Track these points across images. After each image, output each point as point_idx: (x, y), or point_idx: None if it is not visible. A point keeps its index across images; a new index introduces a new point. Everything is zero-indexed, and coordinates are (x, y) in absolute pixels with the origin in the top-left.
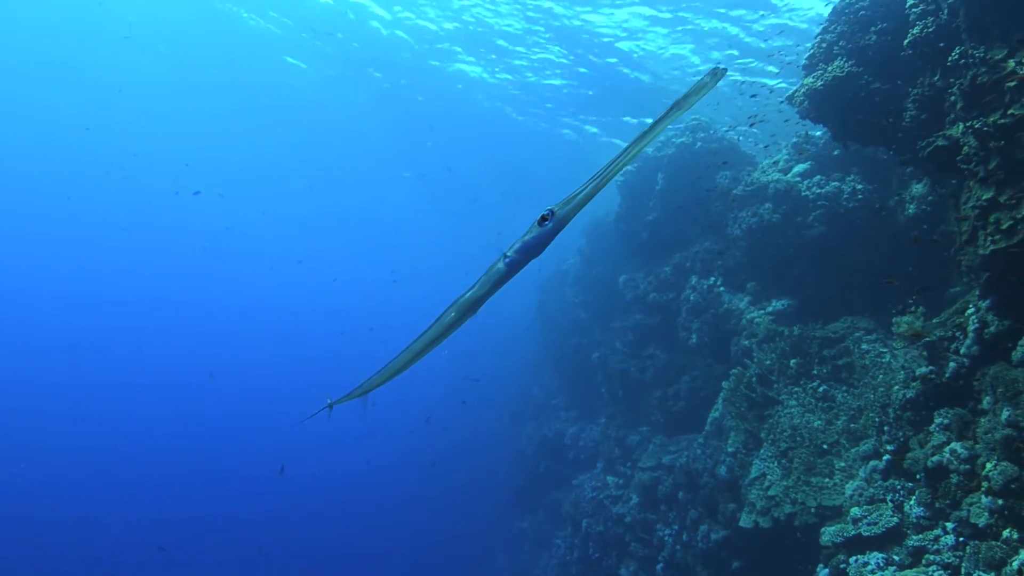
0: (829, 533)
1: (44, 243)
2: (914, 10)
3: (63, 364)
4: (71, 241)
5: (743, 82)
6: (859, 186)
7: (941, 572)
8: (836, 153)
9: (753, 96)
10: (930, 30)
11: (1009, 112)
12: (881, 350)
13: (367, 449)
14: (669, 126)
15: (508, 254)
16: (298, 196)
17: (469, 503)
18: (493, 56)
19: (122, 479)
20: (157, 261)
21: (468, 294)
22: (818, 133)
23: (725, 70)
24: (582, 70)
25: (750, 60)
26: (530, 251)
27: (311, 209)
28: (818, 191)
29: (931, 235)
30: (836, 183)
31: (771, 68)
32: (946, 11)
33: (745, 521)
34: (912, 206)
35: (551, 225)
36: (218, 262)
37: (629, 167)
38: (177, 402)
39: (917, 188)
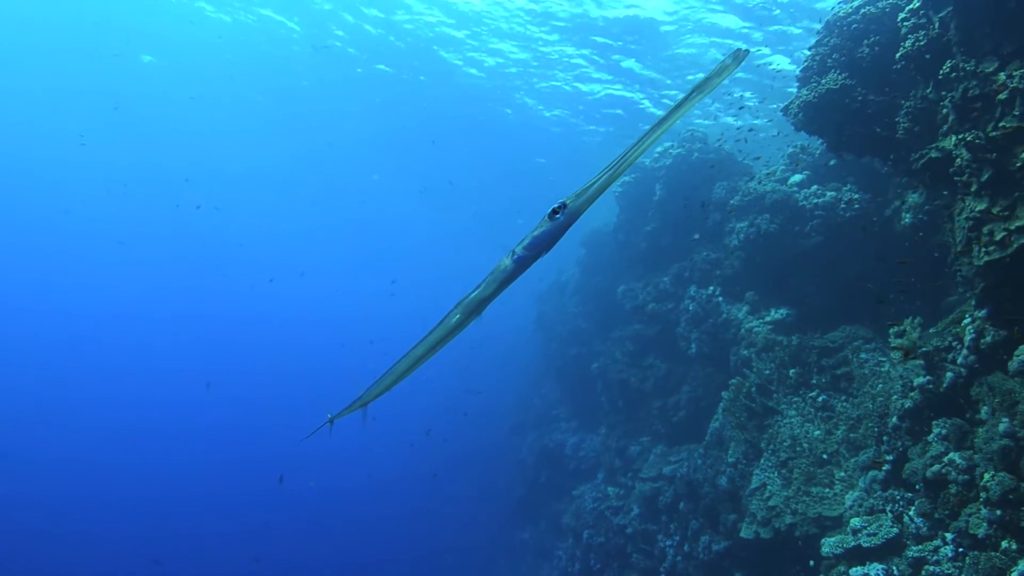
0: (829, 544)
1: (43, 257)
2: (906, 23)
3: (62, 377)
4: (71, 255)
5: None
6: (856, 196)
7: None
8: (832, 163)
9: (742, 108)
10: (922, 43)
11: (1000, 124)
12: (880, 359)
13: (367, 462)
14: (668, 129)
15: (517, 250)
16: (298, 208)
17: (470, 514)
18: (493, 63)
19: (118, 491)
20: (156, 273)
21: (474, 294)
22: (816, 143)
23: (748, 51)
24: (591, 72)
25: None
26: (541, 246)
27: (311, 221)
28: (815, 201)
29: (928, 243)
30: (833, 193)
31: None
32: (937, 25)
33: (746, 532)
34: (909, 215)
35: (562, 218)
36: (217, 274)
37: (627, 177)
38: (176, 414)
39: (913, 197)
